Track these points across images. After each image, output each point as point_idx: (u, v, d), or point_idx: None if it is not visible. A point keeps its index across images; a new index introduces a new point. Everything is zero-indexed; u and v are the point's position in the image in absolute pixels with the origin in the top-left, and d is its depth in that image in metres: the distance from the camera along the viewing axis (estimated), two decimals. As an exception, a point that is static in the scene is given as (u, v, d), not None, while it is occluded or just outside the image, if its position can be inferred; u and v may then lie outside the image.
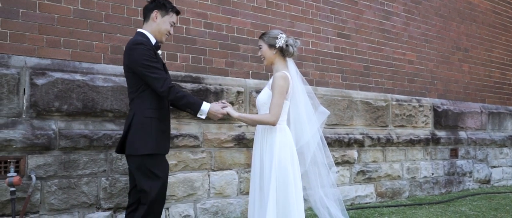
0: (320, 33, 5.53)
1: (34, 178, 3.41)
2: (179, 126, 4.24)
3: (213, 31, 4.63)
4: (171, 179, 4.16)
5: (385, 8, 6.27)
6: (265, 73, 4.95)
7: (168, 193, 4.11)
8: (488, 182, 7.47)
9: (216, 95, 4.47)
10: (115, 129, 3.85)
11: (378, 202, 5.81)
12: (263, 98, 3.05)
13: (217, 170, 4.46)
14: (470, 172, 7.16)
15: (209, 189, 4.39)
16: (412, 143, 6.26)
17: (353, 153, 5.59)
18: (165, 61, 4.30)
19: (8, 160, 3.37)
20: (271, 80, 3.07)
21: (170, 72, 4.23)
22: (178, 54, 4.39)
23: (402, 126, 6.24)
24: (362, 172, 5.67)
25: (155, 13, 2.93)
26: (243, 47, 4.84)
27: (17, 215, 3.32)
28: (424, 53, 6.77)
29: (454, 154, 6.94)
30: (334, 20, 5.68)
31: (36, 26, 3.65)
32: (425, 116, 6.56)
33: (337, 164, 5.43)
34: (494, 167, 7.63)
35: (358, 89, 5.87)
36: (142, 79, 2.80)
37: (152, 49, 2.82)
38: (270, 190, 2.87)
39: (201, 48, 4.54)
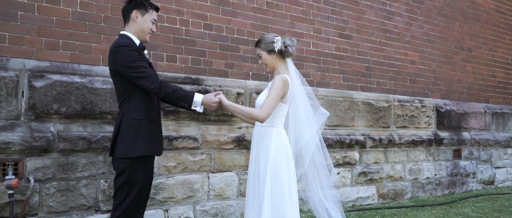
0: (321, 34, 5.50)
1: (32, 180, 3.41)
2: (178, 128, 4.23)
3: (213, 32, 4.62)
4: (170, 181, 4.15)
5: (387, 8, 6.22)
6: (266, 75, 4.93)
7: (167, 195, 4.11)
8: (492, 183, 7.41)
9: (216, 96, 4.46)
10: (114, 131, 3.85)
11: (380, 203, 5.77)
12: (262, 99, 3.03)
13: (217, 172, 4.44)
14: (474, 173, 7.10)
15: (208, 191, 4.38)
16: (414, 143, 6.22)
17: (354, 154, 5.55)
18: (164, 62, 4.30)
19: (7, 163, 3.37)
20: (271, 83, 3.06)
21: (169, 74, 4.24)
22: (177, 55, 4.38)
23: (404, 127, 6.20)
24: (363, 173, 5.64)
25: (134, 13, 2.88)
26: (243, 48, 4.82)
27: (15, 217, 3.33)
28: (427, 53, 6.72)
29: (457, 154, 6.88)
30: (335, 20, 5.64)
31: (35, 29, 3.65)
32: (427, 116, 6.51)
33: (338, 165, 5.40)
34: (498, 167, 7.57)
35: (360, 90, 5.83)
36: (130, 81, 2.75)
37: (136, 49, 2.76)
38: (264, 192, 2.86)
39: (200, 50, 4.53)
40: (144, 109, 2.78)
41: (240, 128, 4.62)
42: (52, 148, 3.56)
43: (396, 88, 6.26)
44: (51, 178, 3.56)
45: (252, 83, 4.79)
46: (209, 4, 4.60)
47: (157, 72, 4.14)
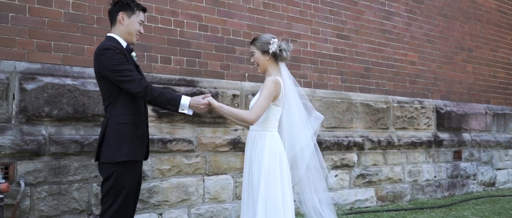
0: (318, 35, 5.44)
1: (23, 184, 3.36)
2: (172, 130, 4.18)
3: (208, 33, 4.56)
4: (164, 184, 4.10)
5: (386, 8, 6.16)
6: (262, 76, 4.85)
7: (161, 198, 4.06)
8: (493, 184, 7.33)
9: (211, 98, 4.40)
10: (106, 134, 3.80)
11: (379, 206, 5.71)
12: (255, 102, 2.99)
13: (212, 175, 4.39)
14: (474, 175, 7.03)
15: (203, 194, 4.33)
16: (414, 145, 6.15)
17: (352, 156, 5.49)
18: (158, 64, 4.25)
19: (-3, 166, 3.33)
20: (263, 85, 3.01)
21: (164, 76, 4.19)
22: (172, 57, 4.32)
23: (403, 128, 6.13)
24: (362, 176, 5.58)
25: (121, 15, 2.82)
26: (239, 49, 4.76)
27: (5, 222, 3.29)
28: (427, 54, 6.65)
29: (457, 156, 6.81)
30: (333, 21, 5.58)
31: (26, 30, 3.60)
32: (427, 117, 6.44)
33: (336, 167, 5.34)
34: (499, 169, 7.49)
35: (358, 91, 5.77)
36: (115, 84, 2.70)
37: (121, 52, 2.71)
38: (258, 198, 2.83)
39: (195, 51, 4.47)
40: (129, 112, 2.73)
41: (235, 130, 4.56)
42: (43, 151, 3.51)
43: (395, 90, 6.19)
44: (43, 181, 3.51)
45: (248, 85, 4.73)
46: (204, 4, 4.54)
47: (151, 74, 4.12)
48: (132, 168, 2.74)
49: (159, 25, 4.25)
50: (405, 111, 6.15)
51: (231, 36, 4.71)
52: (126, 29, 2.84)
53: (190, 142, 4.24)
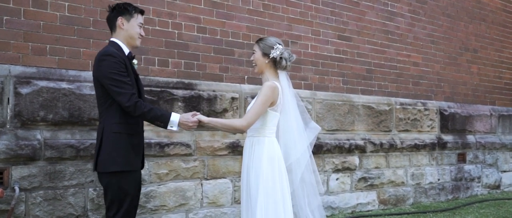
0: (319, 36, 5.36)
1: (17, 189, 3.33)
2: (170, 134, 4.13)
3: (207, 35, 4.51)
4: (161, 188, 4.06)
5: (389, 8, 6.07)
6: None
7: (158, 203, 4.01)
8: (498, 187, 7.22)
9: (209, 102, 4.35)
10: (103, 138, 3.75)
11: (381, 209, 5.63)
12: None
13: (210, 179, 4.34)
14: (479, 177, 6.92)
15: (202, 199, 4.28)
16: (417, 148, 6.06)
17: (354, 159, 5.41)
18: (155, 67, 4.20)
19: (-9, 172, 3.29)
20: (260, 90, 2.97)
21: (161, 79, 4.14)
22: (169, 60, 4.27)
23: (406, 131, 6.04)
24: (363, 179, 5.50)
25: (120, 20, 2.80)
26: (238, 51, 4.70)
27: (-1, 228, 3.25)
28: (430, 55, 6.55)
29: (461, 158, 6.71)
30: (334, 22, 5.50)
31: (21, 34, 3.56)
32: (431, 119, 6.34)
33: (337, 170, 5.27)
34: (505, 171, 7.37)
35: (360, 93, 5.69)
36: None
37: (122, 61, 2.68)
38: (257, 205, 2.78)
39: (194, 54, 4.42)
40: (124, 121, 2.71)
41: (234, 133, 4.50)
42: (38, 156, 3.47)
43: (398, 91, 6.10)
44: (38, 186, 3.47)
45: (247, 88, 4.67)
46: (202, 6, 4.48)
47: (149, 77, 4.08)
48: (131, 175, 2.73)
49: (157, 28, 4.20)
50: (408, 113, 6.06)
51: (230, 38, 4.66)
52: (127, 34, 2.82)
53: (188, 145, 4.19)
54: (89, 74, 3.80)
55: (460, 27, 7.01)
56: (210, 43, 4.52)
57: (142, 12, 2.91)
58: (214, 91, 4.41)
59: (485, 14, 7.42)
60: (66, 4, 3.75)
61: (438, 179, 6.35)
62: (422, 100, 6.33)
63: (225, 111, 4.44)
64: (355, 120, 5.50)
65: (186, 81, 4.30)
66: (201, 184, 4.28)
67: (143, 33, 2.92)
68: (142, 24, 2.91)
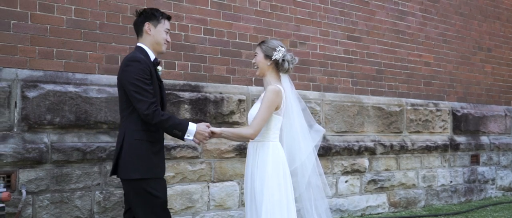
0: (328, 36, 5.30)
1: (24, 193, 3.34)
2: (177, 137, 4.11)
3: (214, 37, 4.48)
4: (168, 191, 4.03)
5: (400, 8, 5.97)
6: (269, 80, 4.77)
7: (165, 206, 4.00)
8: (512, 189, 7.07)
9: (216, 104, 4.33)
10: (109, 141, 3.76)
11: (391, 212, 5.55)
12: (254, 112, 2.91)
13: (217, 182, 4.32)
14: (493, 179, 6.78)
15: (208, 201, 4.26)
16: (428, 149, 5.96)
17: (363, 161, 5.34)
18: (162, 69, 4.18)
19: (-2, 175, 3.32)
20: (263, 94, 2.93)
21: (168, 81, 4.13)
22: (176, 62, 4.26)
23: (417, 132, 5.94)
24: (373, 181, 5.42)
25: (147, 26, 2.81)
26: (245, 53, 4.67)
27: (7, 231, 3.28)
28: (443, 54, 6.43)
29: (475, 160, 6.57)
30: (343, 22, 5.43)
31: (28, 38, 3.58)
32: (443, 120, 6.23)
33: (346, 173, 5.20)
34: (520, 173, 7.21)
35: (370, 94, 5.61)
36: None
37: (148, 68, 2.67)
38: (262, 210, 2.76)
39: (200, 56, 4.40)
40: (146, 129, 2.69)
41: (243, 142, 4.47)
42: (45, 159, 3.49)
43: (409, 92, 6.00)
44: (45, 190, 3.49)
45: (254, 89, 4.63)
46: (209, 8, 4.46)
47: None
48: (154, 180, 2.71)
49: (163, 30, 4.19)
50: (419, 114, 5.95)
51: (237, 40, 4.62)
52: (154, 39, 2.81)
53: (194, 148, 4.17)
54: (95, 77, 3.81)
55: (473, 26, 6.86)
56: (217, 45, 4.50)
57: (169, 17, 2.91)
58: (221, 93, 4.39)
59: (500, 12, 7.26)
60: (73, 7, 3.77)
61: (451, 181, 6.23)
62: (434, 101, 6.21)
63: (232, 113, 4.42)
64: (365, 121, 5.42)
65: (193, 83, 4.29)
66: (208, 187, 4.27)
67: (169, 39, 2.91)
68: (169, 29, 2.90)
